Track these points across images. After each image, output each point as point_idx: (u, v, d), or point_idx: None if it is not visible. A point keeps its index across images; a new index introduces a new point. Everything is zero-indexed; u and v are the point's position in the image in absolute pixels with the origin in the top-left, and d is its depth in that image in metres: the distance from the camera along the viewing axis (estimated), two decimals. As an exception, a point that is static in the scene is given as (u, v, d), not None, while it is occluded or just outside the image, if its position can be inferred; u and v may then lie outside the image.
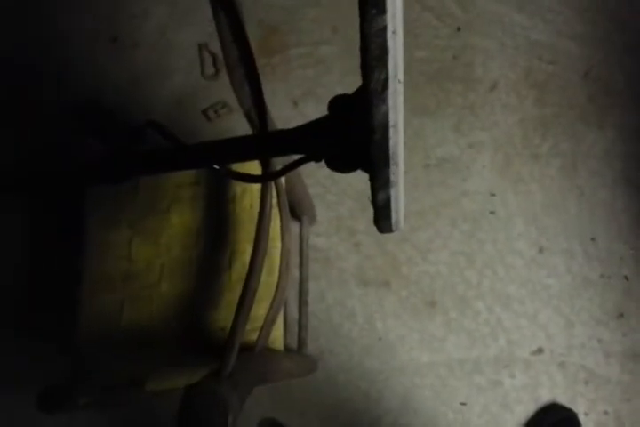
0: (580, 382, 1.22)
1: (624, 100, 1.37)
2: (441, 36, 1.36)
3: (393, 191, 0.52)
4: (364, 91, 0.44)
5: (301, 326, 1.13)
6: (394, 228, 0.59)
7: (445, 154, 1.33)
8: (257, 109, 0.77)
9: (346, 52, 1.36)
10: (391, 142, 0.47)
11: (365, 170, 0.52)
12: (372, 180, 0.52)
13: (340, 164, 0.56)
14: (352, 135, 0.51)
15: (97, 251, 1.05)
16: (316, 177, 1.33)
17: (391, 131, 0.46)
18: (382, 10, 0.40)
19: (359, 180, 1.34)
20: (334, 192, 1.33)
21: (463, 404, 1.22)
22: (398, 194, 0.53)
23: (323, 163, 0.57)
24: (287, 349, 0.98)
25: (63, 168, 0.71)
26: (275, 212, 0.91)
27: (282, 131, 0.61)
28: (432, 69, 1.35)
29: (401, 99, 0.46)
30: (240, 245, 0.98)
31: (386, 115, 0.45)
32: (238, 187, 1.01)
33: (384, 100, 0.44)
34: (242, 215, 1.00)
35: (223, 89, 1.36)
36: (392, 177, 0.50)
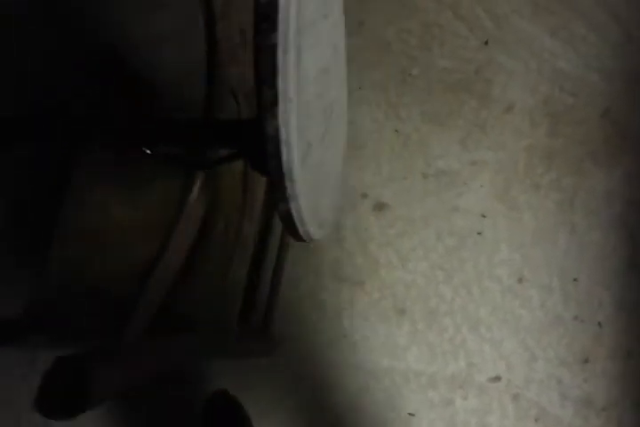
0: (531, 418, 1.19)
1: (637, 146, 1.34)
2: (467, 48, 1.33)
3: (293, 205, 0.51)
4: (257, 104, 0.45)
5: (270, 307, 1.10)
6: (305, 238, 0.59)
7: (446, 166, 1.30)
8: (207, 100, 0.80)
9: (369, 47, 1.34)
10: (284, 158, 0.47)
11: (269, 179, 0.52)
12: (272, 191, 0.52)
13: (254, 168, 0.59)
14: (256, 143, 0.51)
15: (76, 207, 1.04)
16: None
17: (283, 147, 0.46)
18: (273, 27, 0.42)
19: (354, 177, 1.32)
20: (327, 186, 1.31)
21: (412, 415, 1.19)
22: (299, 208, 0.52)
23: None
24: (251, 327, 0.97)
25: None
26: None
27: (210, 121, 0.64)
28: (451, 79, 1.32)
29: (293, 117, 0.46)
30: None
31: (277, 130, 0.45)
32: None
33: (274, 116, 0.45)
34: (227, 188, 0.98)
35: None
36: (289, 191, 0.49)
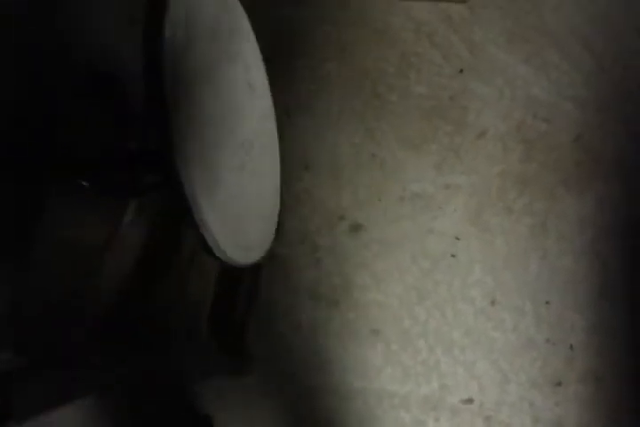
0: (502, 441, 1.20)
1: (609, 172, 1.38)
2: (443, 75, 1.37)
3: (204, 232, 0.54)
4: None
5: (244, 325, 1.11)
6: (228, 262, 0.61)
7: (421, 190, 1.33)
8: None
9: (349, 73, 1.37)
10: (187, 192, 0.51)
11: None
12: (187, 218, 0.55)
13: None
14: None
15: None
16: (294, 190, 1.33)
17: (185, 181, 0.50)
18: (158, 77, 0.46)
19: (331, 199, 1.34)
20: (307, 206, 1.33)
21: (381, 438, 1.20)
22: (213, 235, 0.55)
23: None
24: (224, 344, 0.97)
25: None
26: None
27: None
28: (427, 106, 1.36)
29: (189, 155, 0.50)
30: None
31: (175, 166, 0.49)
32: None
33: (172, 154, 0.49)
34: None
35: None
36: (197, 220, 0.53)
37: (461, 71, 1.37)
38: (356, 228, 1.31)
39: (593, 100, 1.41)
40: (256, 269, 1.14)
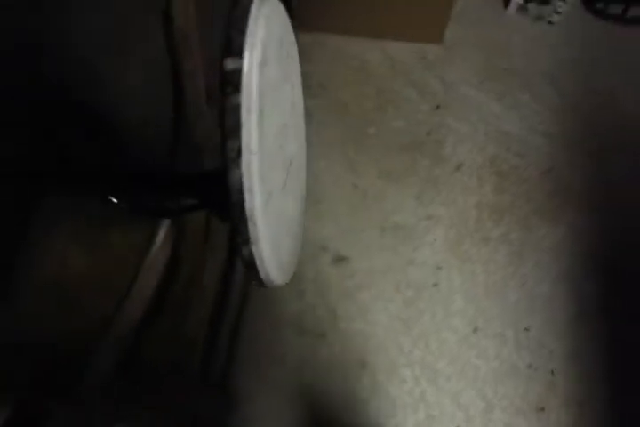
0: (490, 470, 1.20)
1: (579, 202, 1.44)
2: (420, 111, 1.43)
3: (254, 248, 0.55)
4: (222, 157, 0.50)
5: (228, 361, 1.10)
6: (266, 282, 0.62)
7: (402, 221, 1.36)
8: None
9: (329, 107, 1.42)
10: (247, 205, 0.51)
11: (231, 225, 0.56)
12: (234, 235, 0.56)
13: (217, 214, 0.64)
14: (220, 192, 0.56)
15: (33, 257, 1.04)
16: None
17: (246, 195, 0.51)
18: (237, 89, 0.48)
19: (314, 230, 1.36)
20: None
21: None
22: (261, 251, 0.56)
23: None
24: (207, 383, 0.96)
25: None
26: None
27: (176, 175, 0.69)
28: (405, 140, 1.41)
29: (255, 167, 0.51)
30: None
31: (239, 179, 0.50)
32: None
33: (238, 167, 0.50)
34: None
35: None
36: (251, 235, 0.54)
37: (438, 107, 1.43)
38: (339, 258, 1.33)
39: (562, 135, 1.49)
40: (243, 301, 1.14)
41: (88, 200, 0.99)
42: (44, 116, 1.14)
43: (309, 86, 1.45)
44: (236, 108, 0.48)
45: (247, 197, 0.51)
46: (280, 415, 1.22)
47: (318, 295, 1.31)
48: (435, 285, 1.32)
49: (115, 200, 0.74)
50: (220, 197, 0.56)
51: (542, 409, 1.26)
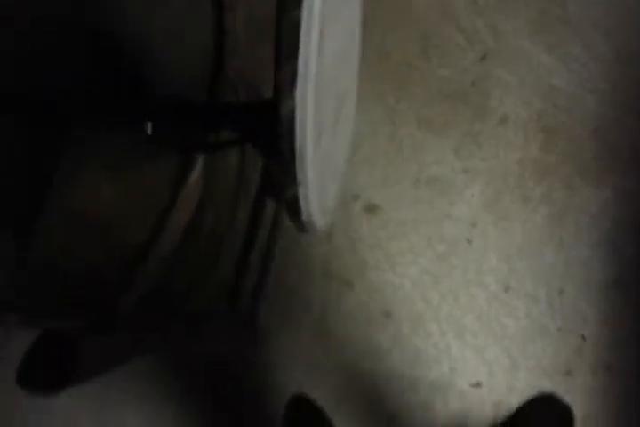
0: None
1: (626, 164, 1.37)
2: (466, 60, 1.36)
3: (301, 190, 0.50)
4: (274, 84, 0.44)
5: (257, 296, 1.09)
6: (307, 226, 0.58)
7: (439, 174, 1.32)
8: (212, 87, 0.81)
9: (369, 52, 1.35)
10: (298, 139, 0.46)
11: (278, 162, 0.51)
12: (281, 174, 0.51)
13: (261, 150, 0.59)
14: (268, 125, 0.50)
15: (64, 187, 1.02)
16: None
17: (298, 128, 0.45)
18: (298, 5, 0.41)
19: (347, 177, 1.32)
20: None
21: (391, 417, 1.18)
22: (307, 193, 0.51)
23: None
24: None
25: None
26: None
27: (220, 103, 0.65)
28: (449, 89, 1.35)
29: (310, 98, 0.45)
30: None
31: (292, 110, 0.44)
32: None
33: (291, 96, 0.44)
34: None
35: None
36: (299, 175, 0.48)
37: (484, 57, 1.36)
38: (371, 208, 1.29)
39: (610, 93, 1.41)
40: (273, 240, 1.12)
41: (118, 134, 0.96)
42: (86, 45, 1.11)
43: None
44: (295, 28, 0.42)
45: (298, 131, 0.45)
46: (300, 355, 1.22)
47: (347, 242, 1.28)
48: (469, 241, 1.29)
49: (149, 132, 0.70)
50: (265, 131, 0.51)
51: (569, 373, 1.24)
